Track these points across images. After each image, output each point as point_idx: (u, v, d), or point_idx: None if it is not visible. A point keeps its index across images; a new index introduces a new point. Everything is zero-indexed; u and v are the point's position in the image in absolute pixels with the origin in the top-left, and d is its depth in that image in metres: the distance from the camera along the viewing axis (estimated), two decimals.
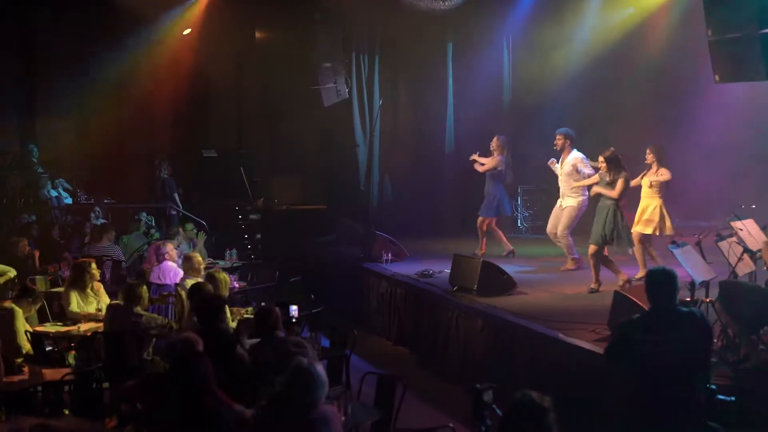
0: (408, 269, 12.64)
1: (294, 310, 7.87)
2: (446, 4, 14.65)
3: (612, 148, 10.76)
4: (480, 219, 13.48)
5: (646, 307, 8.15)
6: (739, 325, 7.33)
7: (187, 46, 18.11)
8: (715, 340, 7.95)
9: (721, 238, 8.22)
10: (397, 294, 12.13)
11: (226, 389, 6.01)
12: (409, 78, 16.72)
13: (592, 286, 10.75)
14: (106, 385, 7.80)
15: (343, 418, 6.55)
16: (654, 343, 5.73)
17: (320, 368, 5.47)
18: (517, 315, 9.59)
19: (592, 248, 10.68)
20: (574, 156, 12.08)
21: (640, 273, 10.82)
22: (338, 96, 15.65)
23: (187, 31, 18.13)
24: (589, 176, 11.65)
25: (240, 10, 17.74)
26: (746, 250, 7.98)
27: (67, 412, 7.22)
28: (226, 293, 9.24)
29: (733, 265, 7.95)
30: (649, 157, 11.06)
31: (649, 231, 10.90)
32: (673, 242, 7.92)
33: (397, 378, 7.22)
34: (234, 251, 13.52)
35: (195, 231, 13.42)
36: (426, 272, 12.10)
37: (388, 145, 16.82)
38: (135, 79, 17.63)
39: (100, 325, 8.98)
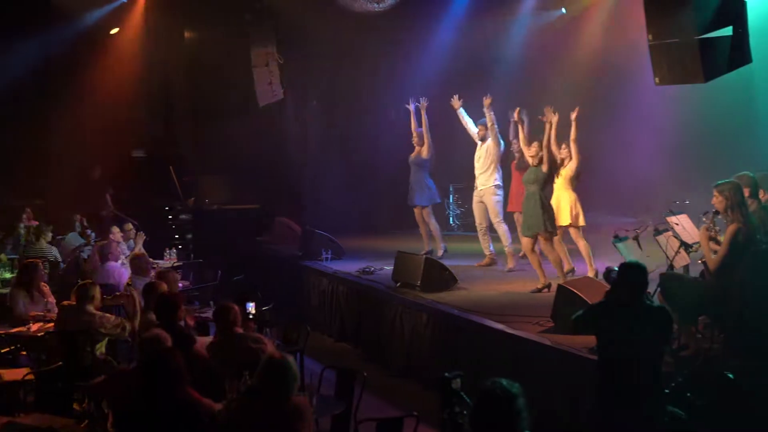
0: (348, 267, 12.84)
1: (251, 306, 8.00)
2: (380, 5, 14.87)
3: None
4: (417, 211, 13.40)
5: (588, 299, 8.56)
6: (678, 315, 7.70)
7: (115, 45, 17.97)
8: None
9: (658, 233, 8.59)
10: (339, 291, 12.32)
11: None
12: (342, 77, 16.87)
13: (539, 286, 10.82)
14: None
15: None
16: (617, 333, 6.04)
17: (291, 361, 5.63)
18: (462, 309, 9.87)
19: (528, 242, 10.87)
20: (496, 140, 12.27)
21: (566, 266, 11.27)
22: (273, 96, 15.74)
23: (114, 31, 17.98)
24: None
25: (169, 10, 17.68)
26: (682, 243, 8.36)
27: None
28: (176, 291, 9.32)
29: (671, 258, 8.33)
30: (564, 152, 11.31)
31: (565, 222, 11.18)
32: (616, 236, 8.28)
33: (357, 371, 7.39)
34: (174, 251, 13.52)
35: (134, 231, 13.36)
36: (367, 269, 12.32)
37: (322, 144, 16.96)
38: (61, 77, 17.39)
39: (50, 325, 8.98)
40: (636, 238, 8.73)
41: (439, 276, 10.99)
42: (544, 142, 10.75)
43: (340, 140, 17.25)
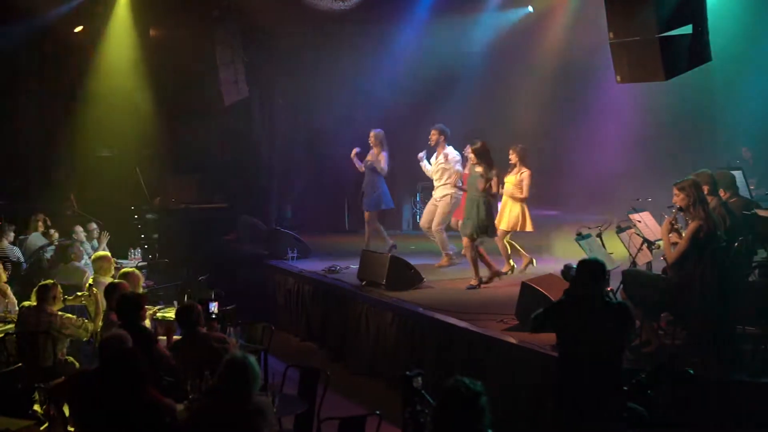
0: (314, 266, 12.82)
1: (214, 306, 7.96)
2: (345, 4, 14.86)
3: (482, 141, 11.06)
4: (367, 214, 13.42)
5: (552, 297, 8.60)
6: (640, 312, 7.76)
7: (79, 43, 17.78)
8: None
9: (621, 230, 8.65)
10: (305, 290, 12.29)
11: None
12: (308, 77, 16.81)
13: (473, 282, 11.04)
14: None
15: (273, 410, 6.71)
16: (577, 331, 6.06)
17: (253, 361, 5.60)
18: (427, 307, 9.87)
19: (465, 242, 11.03)
20: (447, 152, 12.24)
21: (506, 267, 11.54)
22: (239, 94, 15.66)
23: (78, 29, 17.79)
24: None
25: (134, 8, 17.51)
26: (645, 240, 8.43)
27: None
28: (140, 291, 9.25)
29: (633, 256, 8.39)
30: (513, 158, 11.54)
31: (510, 228, 11.53)
32: (578, 234, 8.31)
33: (320, 371, 7.37)
34: (138, 250, 13.41)
35: (98, 231, 13.24)
36: (333, 268, 12.28)
37: (289, 143, 16.91)
38: (25, 75, 17.19)
39: (10, 326, 8.88)
40: (599, 236, 8.77)
41: (404, 274, 10.99)
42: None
43: (307, 139, 17.20)
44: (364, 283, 11.22)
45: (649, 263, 8.77)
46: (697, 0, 7.39)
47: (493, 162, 10.93)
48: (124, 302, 7.55)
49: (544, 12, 16.21)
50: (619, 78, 7.72)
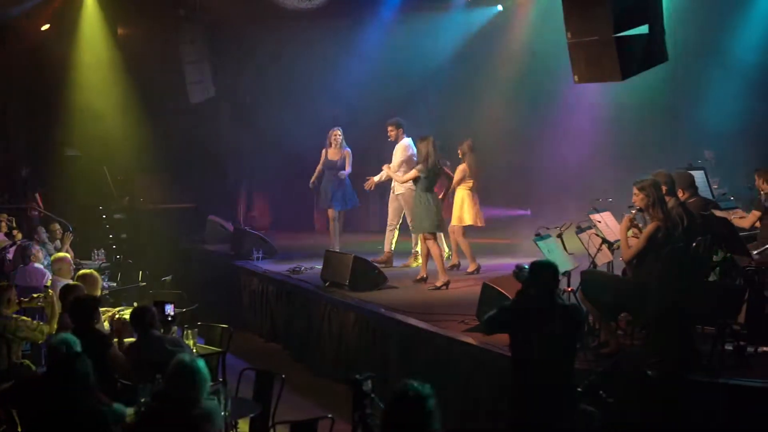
0: (279, 266, 12.73)
1: (170, 308, 7.85)
2: (312, 2, 14.80)
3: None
4: (333, 213, 13.20)
5: (510, 296, 8.56)
6: (599, 312, 7.74)
7: (45, 41, 17.59)
8: None
9: (581, 230, 8.61)
10: (269, 291, 12.22)
11: (103, 389, 6.04)
12: (275, 76, 16.71)
13: (438, 284, 10.95)
14: None
15: (223, 413, 6.63)
16: (529, 332, 6.02)
17: (202, 364, 5.53)
18: (389, 308, 9.82)
19: (427, 237, 10.99)
20: (405, 143, 12.03)
21: (471, 266, 11.80)
22: (205, 93, 15.56)
23: (45, 27, 17.61)
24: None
25: (102, 6, 17.35)
26: (605, 241, 8.40)
27: None
28: (98, 293, 9.16)
29: (593, 256, 8.36)
30: (460, 152, 11.80)
31: (468, 222, 11.80)
32: (537, 234, 8.27)
33: (275, 373, 7.31)
34: (102, 251, 13.27)
35: (61, 231, 13.10)
36: (297, 269, 12.20)
37: (256, 142, 16.81)
38: None
39: None
40: (560, 236, 8.73)
41: (367, 275, 10.93)
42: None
43: (275, 138, 17.08)
44: (327, 283, 11.14)
45: (609, 263, 8.75)
46: (653, 0, 7.37)
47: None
48: (77, 305, 7.48)
49: (514, 10, 16.21)
50: (576, 78, 7.68)
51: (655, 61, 7.47)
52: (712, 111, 13.40)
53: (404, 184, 11.68)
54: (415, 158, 11.64)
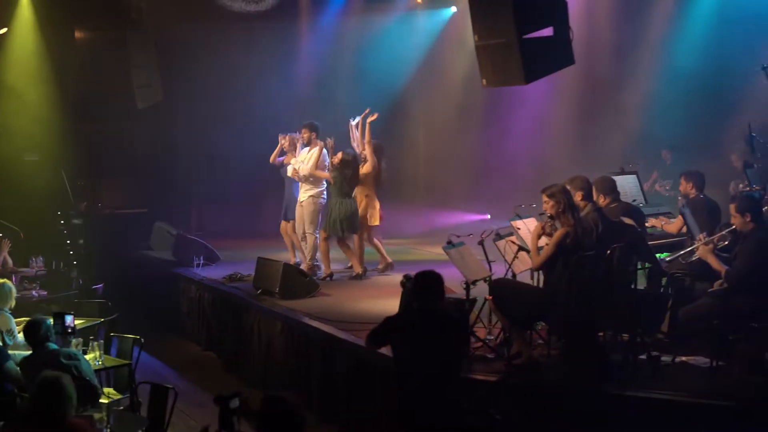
0: (219, 273, 12.49)
1: (70, 319, 7.63)
2: (258, 6, 14.64)
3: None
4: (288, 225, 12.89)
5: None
6: (510, 322, 7.55)
7: (5, 45, 17.35)
8: (492, 337, 8.24)
9: (500, 237, 8.41)
10: (205, 298, 12.02)
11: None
12: (225, 80, 16.51)
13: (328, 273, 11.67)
14: None
15: (107, 430, 6.46)
16: (413, 345, 5.82)
17: (68, 380, 5.34)
18: (314, 317, 9.61)
19: (323, 235, 11.66)
20: (318, 148, 11.86)
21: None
22: (153, 98, 15.34)
23: (3, 31, 17.38)
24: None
25: (58, 9, 17.12)
26: (522, 248, 8.20)
27: None
28: (11, 304, 8.95)
29: (509, 263, 8.17)
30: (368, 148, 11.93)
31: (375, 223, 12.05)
32: (449, 242, 8.06)
33: (168, 387, 7.11)
34: (41, 258, 12.99)
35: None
36: (234, 275, 11.97)
37: (208, 147, 16.62)
38: None
39: None
40: (481, 243, 8.52)
41: (298, 282, 10.73)
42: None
43: (227, 143, 16.87)
44: (259, 291, 10.93)
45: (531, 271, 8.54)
46: (557, 1, 7.17)
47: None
48: None
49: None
50: (484, 82, 7.51)
51: (560, 64, 7.30)
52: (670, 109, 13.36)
53: (307, 193, 11.88)
54: (326, 165, 11.83)
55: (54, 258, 14.21)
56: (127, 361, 8.25)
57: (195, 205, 17.05)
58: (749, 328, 7.16)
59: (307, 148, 11.93)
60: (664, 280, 8.66)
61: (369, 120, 11.85)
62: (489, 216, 15.70)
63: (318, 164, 11.75)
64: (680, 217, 8.96)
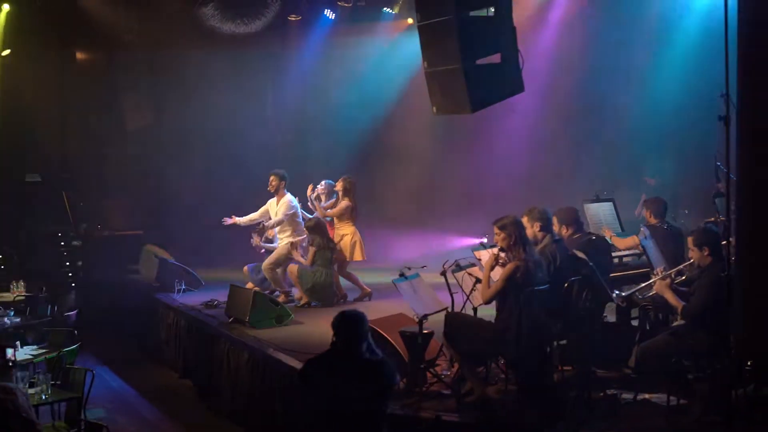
0: (198, 299, 12.31)
1: (10, 353, 7.48)
2: (248, 27, 14.54)
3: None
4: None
5: (391, 339, 8.13)
6: (461, 358, 7.29)
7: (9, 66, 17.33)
8: (448, 372, 7.97)
9: (459, 268, 8.13)
10: (182, 325, 11.82)
11: None
12: (215, 103, 16.38)
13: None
14: None
15: None
16: (332, 389, 5.55)
17: None
18: (279, 348, 9.38)
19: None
20: (287, 200, 12.04)
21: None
22: (142, 120, 15.27)
23: (6, 52, 17.37)
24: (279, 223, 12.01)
25: (60, 30, 17.08)
26: (479, 280, 7.91)
27: None
28: None
29: (467, 295, 7.90)
30: (338, 185, 12.02)
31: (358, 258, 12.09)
32: (401, 274, 7.78)
33: (102, 425, 6.92)
34: (21, 283, 12.85)
35: None
36: (211, 302, 11.80)
37: (203, 169, 16.50)
38: None
39: None
40: (443, 274, 8.22)
41: (269, 311, 10.52)
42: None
43: (221, 166, 16.73)
44: (231, 319, 10.75)
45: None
46: (505, 26, 6.90)
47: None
48: None
49: None
50: (434, 109, 7.27)
51: (509, 92, 7.03)
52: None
53: (284, 236, 12.05)
54: (298, 219, 12.02)
55: (48, 280, 14.21)
56: (75, 394, 8.06)
57: (192, 227, 16.89)
58: (708, 367, 6.86)
59: (275, 199, 12.10)
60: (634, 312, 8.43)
61: (314, 197, 12.19)
62: (485, 239, 15.42)
63: (286, 213, 11.93)
64: (634, 237, 8.77)
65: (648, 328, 8.26)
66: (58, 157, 18.41)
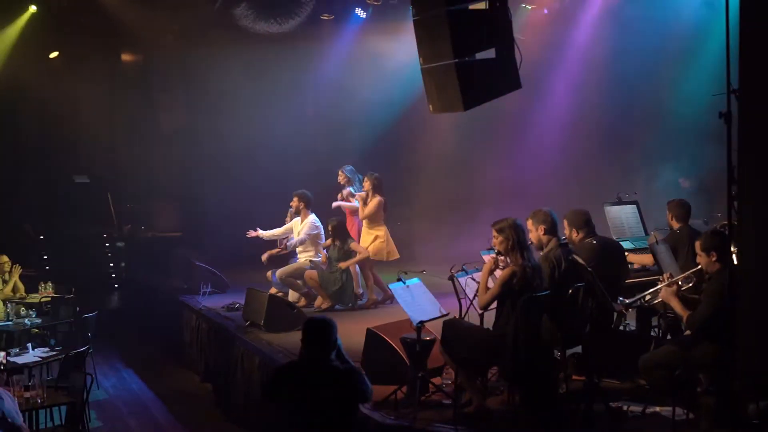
0: (222, 302, 12.17)
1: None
2: (282, 27, 14.41)
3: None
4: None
5: (395, 345, 7.88)
6: (459, 367, 6.99)
7: (51, 68, 17.47)
8: (449, 382, 7.67)
9: (465, 273, 7.84)
10: (203, 328, 11.72)
11: None
12: (237, 105, 16.28)
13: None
14: None
15: None
16: (301, 398, 5.34)
17: None
18: (289, 353, 9.15)
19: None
20: (311, 220, 11.83)
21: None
22: (177, 121, 15.26)
23: (54, 54, 17.52)
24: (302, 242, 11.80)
25: (107, 32, 17.16)
26: None
27: None
28: None
29: (470, 300, 7.59)
30: (366, 185, 11.85)
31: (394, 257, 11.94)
32: (398, 279, 7.50)
33: None
34: (50, 284, 12.86)
35: (9, 263, 12.76)
36: (232, 305, 11.68)
37: (237, 171, 16.44)
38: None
39: None
40: (451, 278, 7.93)
41: (284, 315, 10.32)
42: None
43: (256, 167, 16.63)
44: (247, 323, 10.59)
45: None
46: (499, 21, 6.58)
47: None
48: None
49: None
50: (431, 108, 6.98)
51: (505, 89, 6.69)
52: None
53: (305, 255, 11.85)
54: (320, 240, 11.78)
55: (90, 280, 14.30)
56: (71, 399, 7.96)
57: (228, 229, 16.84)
58: (715, 380, 6.46)
59: (299, 218, 11.91)
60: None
61: (346, 194, 12.36)
62: None
63: (309, 233, 11.77)
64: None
65: (669, 336, 7.86)
66: (105, 159, 18.55)
